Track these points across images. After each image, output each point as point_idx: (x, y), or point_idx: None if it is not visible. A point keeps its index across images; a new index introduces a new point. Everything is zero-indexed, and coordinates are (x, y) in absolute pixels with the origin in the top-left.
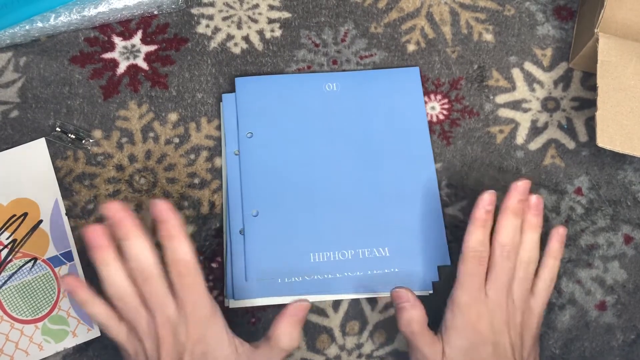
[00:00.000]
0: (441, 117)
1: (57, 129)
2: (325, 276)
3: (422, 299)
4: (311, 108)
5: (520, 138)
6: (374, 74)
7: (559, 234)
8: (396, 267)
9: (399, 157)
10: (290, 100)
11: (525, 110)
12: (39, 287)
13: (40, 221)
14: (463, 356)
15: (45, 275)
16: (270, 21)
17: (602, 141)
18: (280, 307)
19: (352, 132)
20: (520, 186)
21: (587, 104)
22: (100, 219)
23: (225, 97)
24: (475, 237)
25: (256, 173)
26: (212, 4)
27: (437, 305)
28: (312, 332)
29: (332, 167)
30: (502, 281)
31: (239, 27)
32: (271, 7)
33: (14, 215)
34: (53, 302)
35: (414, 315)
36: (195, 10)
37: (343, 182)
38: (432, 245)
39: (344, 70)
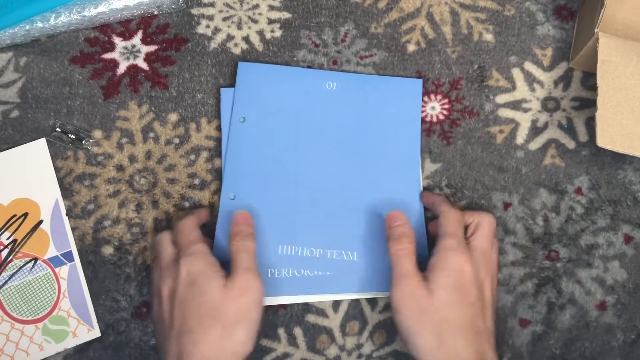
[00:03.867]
0: (441, 117)
1: (58, 129)
2: (290, 272)
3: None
4: (307, 103)
5: (520, 138)
6: (376, 79)
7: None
8: (361, 273)
9: (385, 167)
10: (288, 92)
11: (526, 110)
12: (40, 287)
13: (41, 221)
14: (450, 294)
15: (45, 276)
16: (271, 21)
17: (602, 141)
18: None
19: (343, 134)
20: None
21: (587, 103)
22: (100, 220)
23: (223, 91)
24: (442, 197)
25: (241, 157)
26: (212, 4)
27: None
28: (312, 333)
29: (317, 165)
30: (487, 233)
31: (239, 27)
32: (271, 8)
33: (15, 216)
34: (53, 302)
35: (405, 231)
36: (195, 11)
37: (325, 180)
38: None
39: (344, 71)
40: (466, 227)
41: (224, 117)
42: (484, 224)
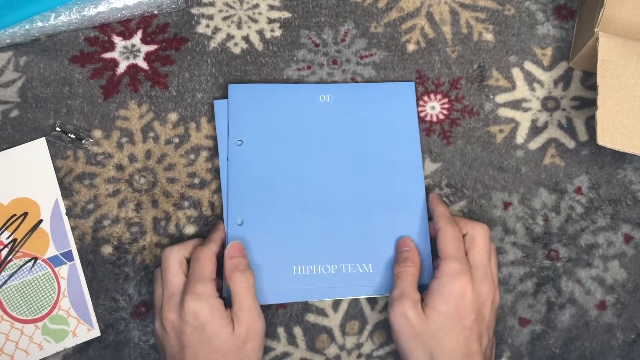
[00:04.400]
0: (441, 116)
1: (57, 128)
2: (307, 288)
3: None
4: (303, 118)
5: (520, 137)
6: (368, 87)
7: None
8: (378, 285)
9: (388, 173)
10: (282, 110)
11: (525, 110)
12: (39, 286)
13: (41, 221)
14: (446, 320)
15: (45, 275)
16: (270, 21)
17: (603, 140)
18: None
19: (343, 145)
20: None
21: (587, 103)
22: (100, 219)
23: (216, 104)
24: (444, 208)
25: (243, 181)
26: (212, 4)
27: None
28: (312, 332)
29: (321, 179)
30: (483, 246)
31: (239, 27)
32: (271, 7)
33: (14, 215)
34: (53, 301)
35: (410, 256)
36: (195, 10)
37: (330, 194)
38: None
39: (344, 71)
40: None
41: (219, 131)
42: (479, 236)
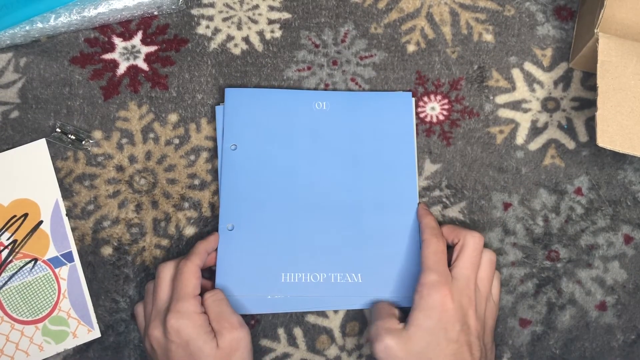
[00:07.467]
0: (441, 117)
1: (58, 129)
2: (295, 297)
3: None
4: (298, 125)
5: (520, 138)
6: (365, 96)
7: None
8: (366, 296)
9: (382, 182)
10: (278, 116)
11: (525, 111)
12: (40, 287)
13: (41, 222)
14: (431, 335)
15: (45, 276)
16: (270, 22)
17: (603, 141)
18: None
19: (337, 154)
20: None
21: (587, 104)
22: (100, 220)
23: (218, 109)
24: (430, 219)
25: (236, 186)
26: (212, 5)
27: None
28: (312, 333)
29: (314, 188)
30: (470, 256)
31: (239, 28)
32: (271, 8)
33: (15, 216)
34: (53, 303)
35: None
36: (195, 11)
37: (322, 202)
38: (407, 275)
39: (344, 71)
40: (453, 246)
41: (220, 137)
42: (467, 246)
